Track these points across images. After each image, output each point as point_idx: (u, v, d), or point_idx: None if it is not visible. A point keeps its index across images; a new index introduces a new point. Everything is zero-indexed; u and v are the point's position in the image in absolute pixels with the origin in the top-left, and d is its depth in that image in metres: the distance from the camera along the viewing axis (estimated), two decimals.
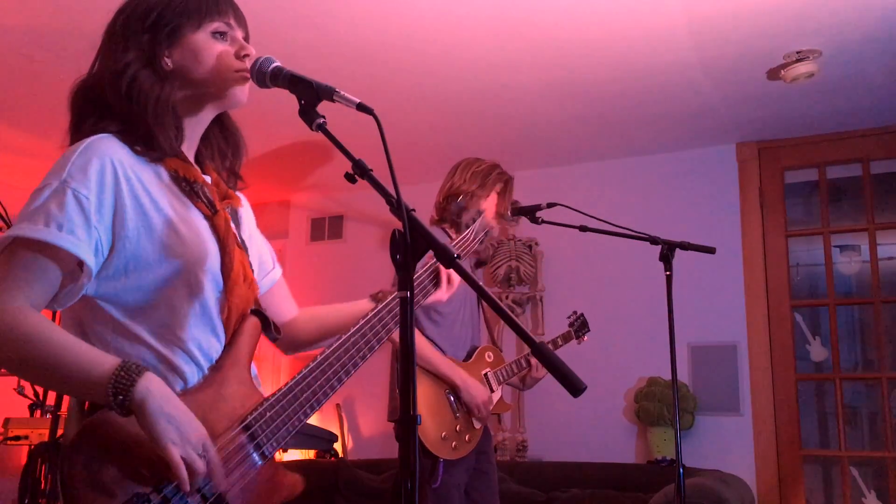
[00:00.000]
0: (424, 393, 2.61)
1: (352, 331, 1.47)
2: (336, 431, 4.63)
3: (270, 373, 4.79)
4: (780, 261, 4.01)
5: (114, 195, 1.25)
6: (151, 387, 1.16)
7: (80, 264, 1.22)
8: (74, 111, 1.37)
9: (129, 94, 1.32)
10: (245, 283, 1.38)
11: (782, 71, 3.23)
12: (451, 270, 1.64)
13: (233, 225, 1.42)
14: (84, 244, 1.21)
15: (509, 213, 2.95)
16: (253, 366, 1.43)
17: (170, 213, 1.30)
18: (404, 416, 1.07)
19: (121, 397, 1.14)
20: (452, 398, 2.68)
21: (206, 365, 1.32)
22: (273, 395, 1.37)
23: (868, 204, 3.93)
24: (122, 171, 1.27)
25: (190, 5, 1.37)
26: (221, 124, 1.50)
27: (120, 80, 1.32)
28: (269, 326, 1.43)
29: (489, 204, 2.88)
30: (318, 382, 1.40)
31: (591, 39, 3.04)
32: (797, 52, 3.10)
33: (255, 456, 1.32)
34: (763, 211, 4.07)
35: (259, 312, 1.42)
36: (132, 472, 1.18)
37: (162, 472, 1.17)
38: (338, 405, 4.75)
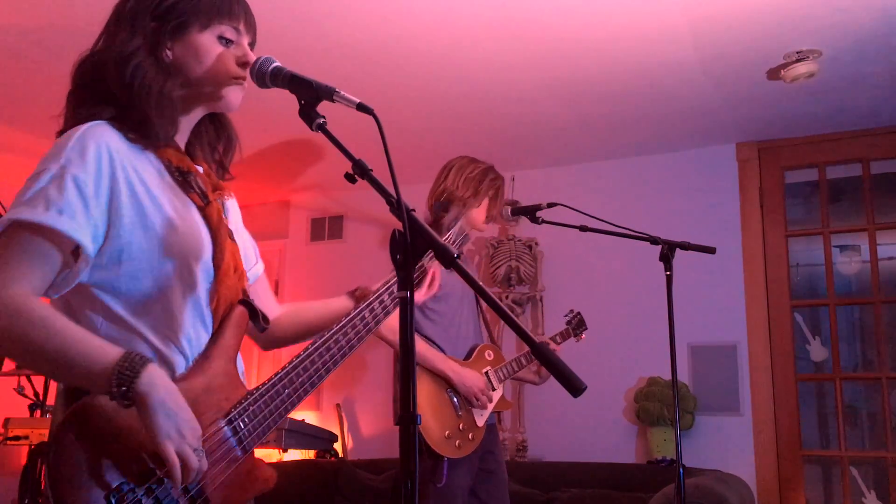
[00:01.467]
0: (427, 392, 2.62)
1: (334, 329, 1.48)
2: (336, 431, 4.62)
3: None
4: (780, 261, 4.01)
5: (110, 182, 1.25)
6: (155, 380, 1.16)
7: (76, 250, 1.22)
8: (74, 91, 1.37)
9: (132, 82, 1.31)
10: (235, 273, 1.38)
11: (782, 71, 3.23)
12: (437, 273, 1.71)
13: (224, 216, 1.42)
14: (83, 229, 1.21)
15: (510, 212, 2.96)
16: (239, 359, 1.43)
17: (165, 205, 1.30)
18: (404, 416, 1.07)
19: (124, 388, 1.14)
20: (455, 398, 2.68)
21: (193, 355, 1.32)
22: (256, 389, 1.37)
23: (868, 204, 3.93)
24: (119, 159, 1.27)
25: (202, 3, 1.36)
26: (214, 118, 1.49)
27: (125, 67, 1.31)
28: (256, 316, 1.42)
29: (480, 210, 2.87)
30: (300, 379, 1.42)
31: (591, 39, 3.04)
32: (797, 52, 3.10)
33: (238, 450, 1.32)
34: (763, 211, 4.07)
35: (247, 302, 1.41)
36: (119, 462, 1.17)
37: (148, 466, 1.17)
38: (338, 405, 4.75)
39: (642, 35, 3.00)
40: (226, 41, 1.38)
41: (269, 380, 1.39)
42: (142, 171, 1.30)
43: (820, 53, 3.11)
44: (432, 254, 1.67)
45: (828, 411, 4.09)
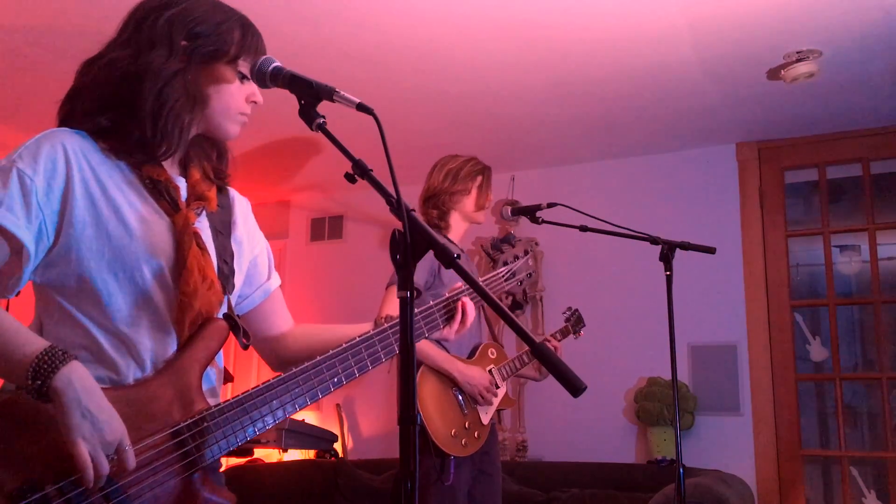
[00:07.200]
0: (433, 391, 2.63)
1: (331, 352, 1.40)
2: (336, 431, 4.63)
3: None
4: (780, 261, 4.01)
5: (64, 181, 1.24)
6: (73, 376, 1.12)
7: (21, 247, 1.20)
8: (81, 93, 1.34)
9: (163, 104, 1.30)
10: (203, 283, 1.31)
11: (782, 71, 3.22)
12: (468, 308, 1.60)
13: (199, 226, 1.38)
14: (22, 224, 1.19)
15: (510, 212, 2.96)
16: (212, 372, 1.39)
17: (124, 209, 1.28)
18: (404, 416, 1.07)
19: (38, 382, 1.11)
20: (461, 396, 2.69)
21: (148, 362, 1.28)
22: (219, 405, 1.31)
23: (868, 204, 3.93)
24: (76, 159, 1.26)
25: (233, 37, 1.37)
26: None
27: (163, 89, 1.30)
28: (238, 331, 1.38)
29: (469, 200, 2.89)
30: (279, 399, 1.34)
31: (591, 39, 3.04)
32: (797, 52, 3.10)
33: (178, 466, 1.25)
34: (763, 211, 4.07)
35: (228, 317, 1.38)
36: (34, 458, 1.14)
37: (64, 465, 1.12)
38: (338, 405, 4.75)
39: (642, 35, 3.00)
40: (242, 76, 1.39)
41: (236, 397, 1.32)
42: (101, 174, 1.28)
43: (820, 53, 3.10)
44: (459, 288, 1.63)
45: (828, 411, 4.09)
